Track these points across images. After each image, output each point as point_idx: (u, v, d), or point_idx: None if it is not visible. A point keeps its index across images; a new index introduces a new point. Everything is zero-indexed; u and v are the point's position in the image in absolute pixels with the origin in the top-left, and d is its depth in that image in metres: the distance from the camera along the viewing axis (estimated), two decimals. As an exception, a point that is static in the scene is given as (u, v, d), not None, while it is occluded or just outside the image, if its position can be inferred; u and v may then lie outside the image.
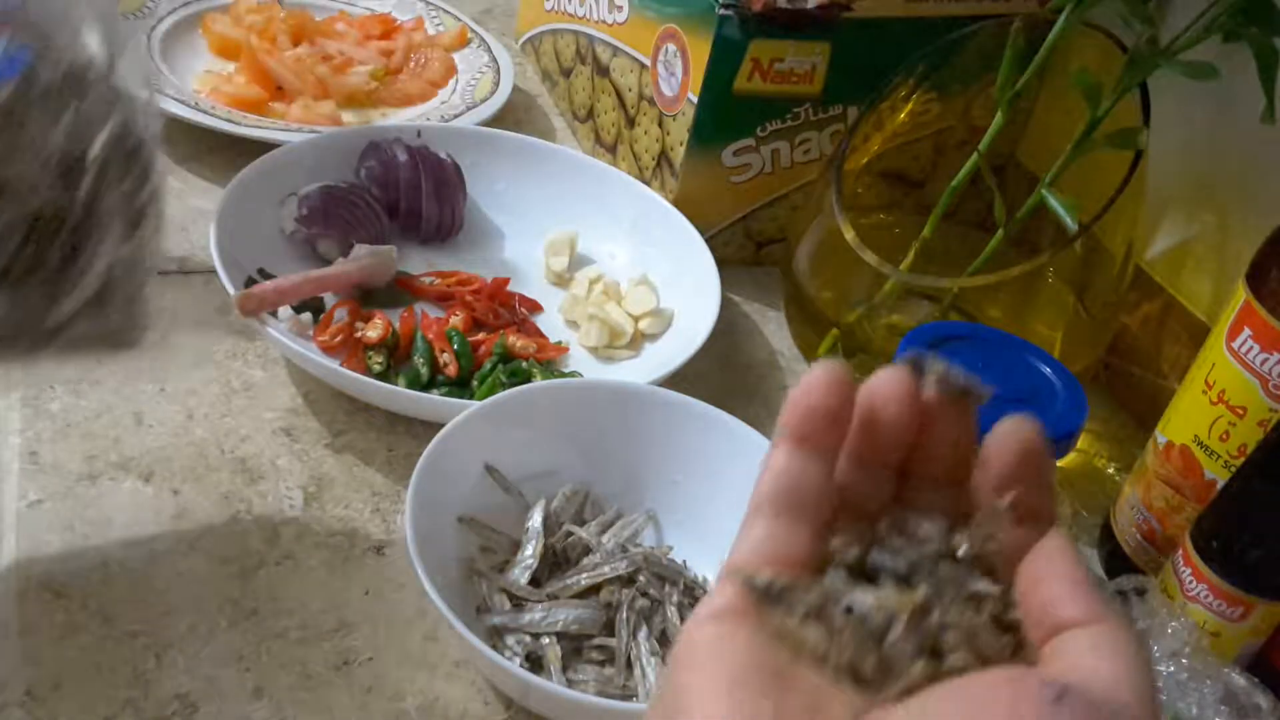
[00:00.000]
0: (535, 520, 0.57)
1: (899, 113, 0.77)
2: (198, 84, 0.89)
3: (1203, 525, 0.57)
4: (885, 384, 0.31)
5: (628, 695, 0.53)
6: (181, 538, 0.57)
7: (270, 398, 0.66)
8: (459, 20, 1.03)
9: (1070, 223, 0.63)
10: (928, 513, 0.31)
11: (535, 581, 0.56)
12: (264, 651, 0.53)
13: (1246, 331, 0.56)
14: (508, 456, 0.58)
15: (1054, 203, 0.64)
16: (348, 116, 0.89)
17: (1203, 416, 0.59)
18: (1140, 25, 0.62)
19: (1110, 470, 0.74)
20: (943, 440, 0.31)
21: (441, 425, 0.56)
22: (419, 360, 0.68)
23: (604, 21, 0.86)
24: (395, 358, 0.68)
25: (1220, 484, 0.59)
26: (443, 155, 0.79)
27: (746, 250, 0.84)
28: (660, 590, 0.56)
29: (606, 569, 0.56)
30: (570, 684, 0.52)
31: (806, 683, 0.28)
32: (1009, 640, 0.28)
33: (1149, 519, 0.63)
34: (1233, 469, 0.58)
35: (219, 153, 0.82)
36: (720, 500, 0.59)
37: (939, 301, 0.69)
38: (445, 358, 0.68)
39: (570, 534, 0.58)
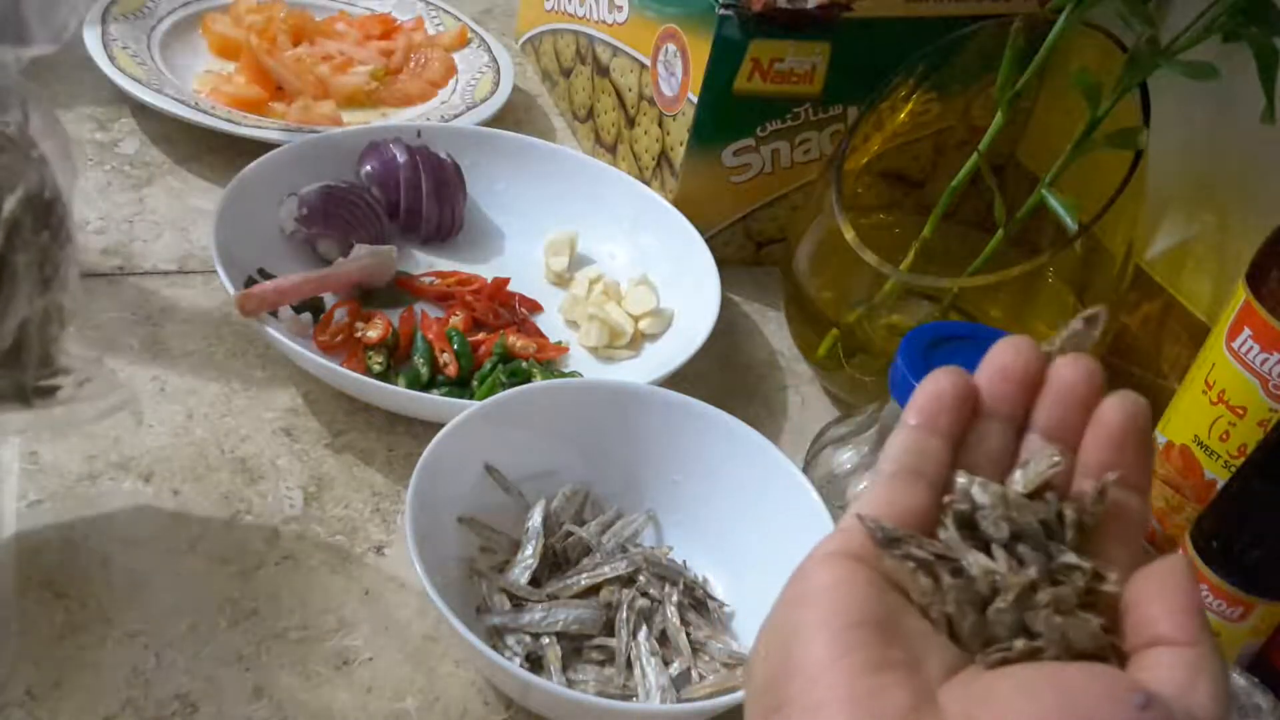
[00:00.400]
0: (535, 520, 0.57)
1: (899, 113, 0.77)
2: (198, 84, 0.89)
3: (1203, 525, 0.57)
4: (1008, 344, 0.34)
5: (627, 695, 0.53)
6: (181, 538, 0.57)
7: (270, 398, 0.66)
8: (459, 20, 1.03)
9: (1070, 223, 0.63)
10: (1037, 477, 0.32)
11: (535, 581, 0.56)
12: (264, 651, 0.53)
13: (1246, 331, 0.56)
14: (508, 456, 0.58)
15: (1054, 203, 0.64)
16: (348, 116, 0.89)
17: (1203, 416, 0.59)
18: (1140, 25, 0.62)
19: (1110, 470, 0.74)
20: (1064, 397, 0.33)
21: (441, 425, 0.56)
22: (419, 360, 0.68)
23: (604, 21, 0.86)
24: (395, 358, 0.68)
25: (1220, 484, 0.59)
26: (443, 155, 0.79)
27: (746, 250, 0.84)
28: (660, 590, 0.56)
29: (606, 569, 0.56)
30: (570, 684, 0.52)
31: (908, 635, 0.30)
32: (1098, 626, 0.30)
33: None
34: (1233, 469, 0.58)
35: (219, 153, 0.82)
36: (720, 500, 0.59)
37: (939, 301, 0.69)
38: (445, 358, 0.68)
39: (570, 534, 0.58)
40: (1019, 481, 0.32)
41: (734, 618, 0.57)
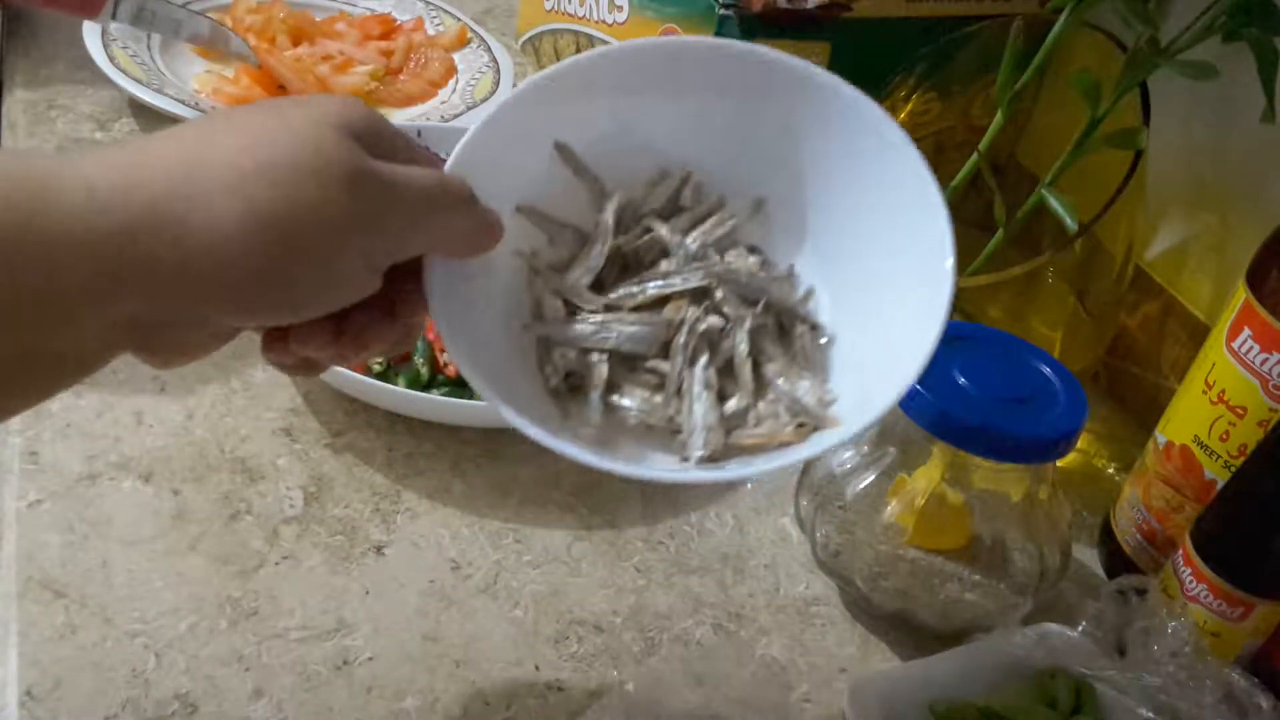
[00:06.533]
0: (608, 213, 0.48)
1: (899, 113, 0.77)
2: (198, 84, 0.89)
3: (1203, 525, 0.57)
4: None
5: (675, 430, 0.45)
6: (181, 538, 0.57)
7: (270, 398, 0.66)
8: (459, 20, 1.03)
9: (1070, 223, 0.63)
10: None
11: (600, 286, 0.47)
12: (264, 651, 0.53)
13: (1246, 331, 0.56)
14: (583, 133, 0.48)
15: (1054, 203, 0.64)
16: (348, 116, 0.89)
17: (1203, 416, 0.59)
18: (1140, 25, 0.62)
19: (1110, 470, 0.74)
20: None
21: (442, 426, 0.56)
22: (419, 360, 0.68)
23: (604, 21, 0.86)
24: (395, 358, 0.68)
25: (1220, 484, 0.59)
26: (443, 155, 0.79)
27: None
28: (736, 310, 0.47)
29: (677, 280, 0.47)
30: (609, 407, 0.45)
31: None
32: None
33: (1149, 519, 0.63)
34: (1233, 469, 0.58)
35: (219, 153, 0.82)
36: (846, 205, 0.49)
37: (939, 301, 0.69)
38: (445, 357, 0.68)
39: (648, 230, 0.48)
40: None
41: (838, 345, 0.48)
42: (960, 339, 0.58)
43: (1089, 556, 0.67)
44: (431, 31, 1.02)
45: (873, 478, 0.58)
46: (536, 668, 0.55)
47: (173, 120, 0.82)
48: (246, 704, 0.50)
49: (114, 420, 0.62)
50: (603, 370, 0.45)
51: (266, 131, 0.36)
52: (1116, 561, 0.65)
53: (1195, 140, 0.73)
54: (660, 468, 0.44)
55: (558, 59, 0.95)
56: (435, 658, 0.54)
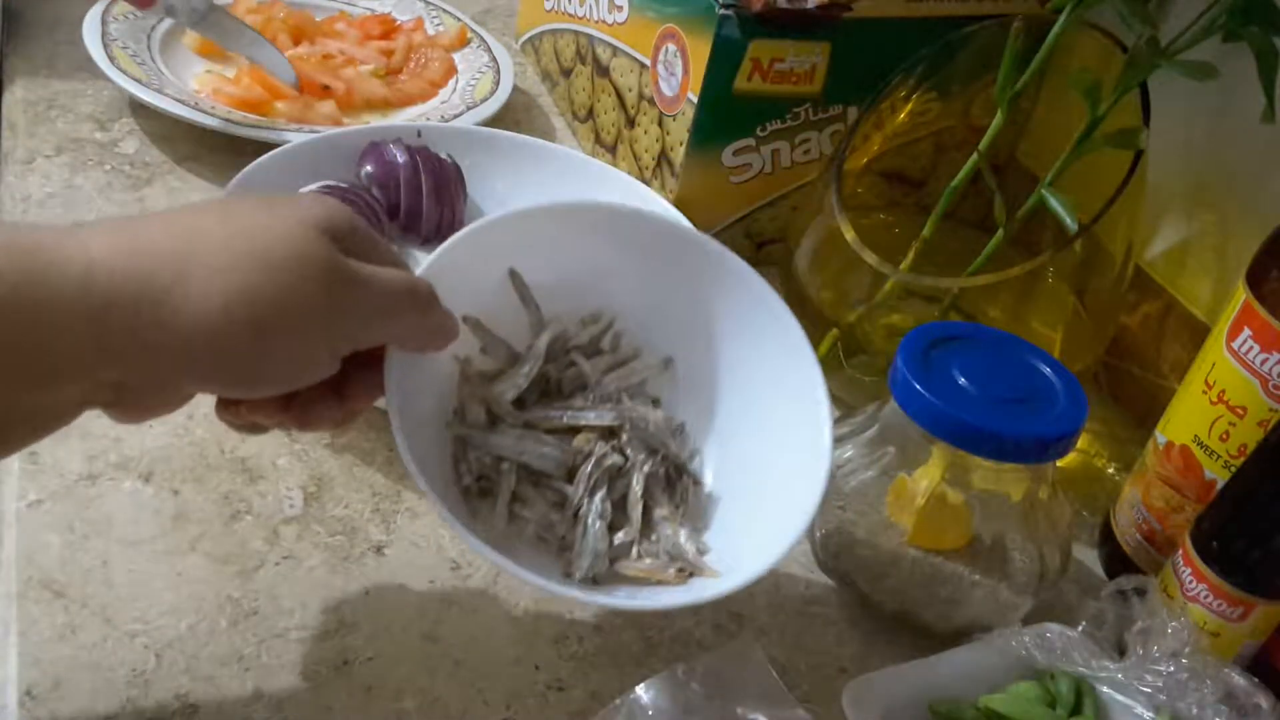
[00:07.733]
0: (542, 341, 0.53)
1: (899, 113, 0.77)
2: (198, 84, 0.89)
3: (1203, 525, 0.57)
4: None
5: (566, 546, 0.51)
6: (181, 538, 0.57)
7: (270, 398, 0.66)
8: (459, 20, 1.03)
9: (1070, 223, 0.63)
10: None
11: (521, 403, 0.53)
12: (264, 651, 0.53)
13: (1246, 331, 0.56)
14: (536, 267, 0.54)
15: (1054, 203, 0.64)
16: (348, 117, 0.89)
17: (1203, 416, 0.59)
18: (1140, 25, 0.62)
19: (1110, 470, 0.74)
20: None
21: (441, 426, 0.56)
22: (419, 360, 0.68)
23: (604, 21, 0.86)
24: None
25: (1220, 484, 0.59)
26: (443, 155, 0.79)
27: (746, 250, 0.84)
28: (638, 454, 0.53)
29: (591, 415, 0.53)
30: (512, 515, 0.51)
31: None
32: None
33: (1149, 519, 0.63)
34: (1233, 469, 0.58)
35: (219, 153, 0.82)
36: (742, 382, 0.56)
37: (939, 301, 0.69)
38: (445, 358, 0.68)
39: (572, 364, 0.54)
40: None
41: (717, 504, 0.55)
42: (960, 339, 0.58)
43: (1089, 556, 0.67)
44: (431, 31, 1.02)
45: (872, 477, 0.58)
46: (536, 668, 0.55)
47: (173, 120, 0.82)
48: (246, 704, 0.50)
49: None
50: (511, 480, 0.51)
51: (255, 225, 0.40)
52: (1116, 561, 0.65)
53: (1195, 140, 0.73)
54: (552, 581, 0.49)
55: (558, 59, 0.95)
56: (435, 658, 0.54)
